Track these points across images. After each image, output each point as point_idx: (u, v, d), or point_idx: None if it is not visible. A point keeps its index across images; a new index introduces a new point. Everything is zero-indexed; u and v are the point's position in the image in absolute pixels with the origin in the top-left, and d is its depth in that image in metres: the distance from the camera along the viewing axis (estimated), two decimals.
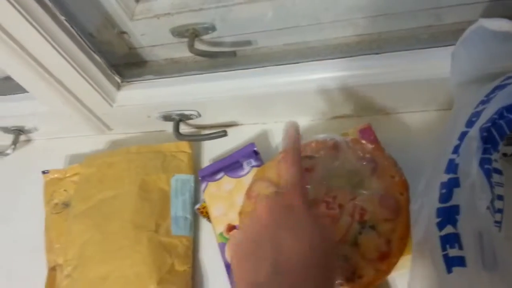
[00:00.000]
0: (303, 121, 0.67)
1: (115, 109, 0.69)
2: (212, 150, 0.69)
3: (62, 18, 0.58)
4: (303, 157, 0.56)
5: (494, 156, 0.35)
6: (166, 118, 0.70)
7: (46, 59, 0.60)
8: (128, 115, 0.71)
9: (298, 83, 0.61)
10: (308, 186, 0.52)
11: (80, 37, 0.62)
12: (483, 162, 0.34)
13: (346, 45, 0.65)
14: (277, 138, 0.68)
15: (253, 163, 0.62)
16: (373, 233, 0.48)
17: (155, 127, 0.74)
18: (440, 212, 0.37)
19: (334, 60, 0.60)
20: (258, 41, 0.69)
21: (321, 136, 0.57)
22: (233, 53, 0.64)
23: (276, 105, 0.66)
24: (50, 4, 0.56)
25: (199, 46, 0.67)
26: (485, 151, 0.35)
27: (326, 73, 0.60)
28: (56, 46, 0.58)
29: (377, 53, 0.59)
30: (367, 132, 0.57)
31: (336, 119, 0.66)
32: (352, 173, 0.52)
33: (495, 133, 0.35)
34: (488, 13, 0.59)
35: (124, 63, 0.72)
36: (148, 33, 0.69)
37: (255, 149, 0.63)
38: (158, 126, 0.73)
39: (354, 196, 0.50)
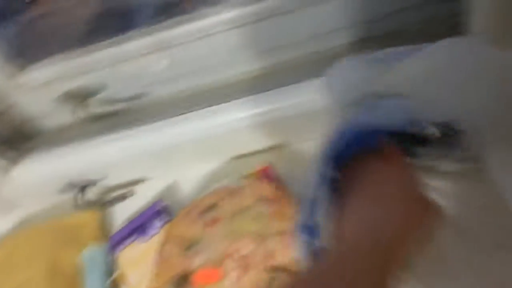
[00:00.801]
0: (209, 167, 0.65)
1: (12, 187, 0.66)
2: (123, 211, 0.66)
3: None
4: (208, 207, 0.55)
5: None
6: (69, 187, 0.67)
7: None
8: (28, 192, 0.67)
9: (197, 131, 0.61)
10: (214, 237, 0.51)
11: None
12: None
13: (239, 83, 0.65)
14: (187, 189, 0.66)
15: (162, 220, 0.59)
16: (285, 276, 0.47)
17: (60, 198, 0.70)
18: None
19: (228, 103, 0.60)
20: (152, 92, 0.68)
21: (223, 183, 0.56)
22: (125, 110, 0.63)
23: (179, 155, 0.65)
24: None
25: (91, 108, 0.66)
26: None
27: (220, 117, 0.59)
28: None
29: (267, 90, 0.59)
30: (268, 172, 0.57)
31: (239, 159, 0.66)
32: (256, 218, 0.51)
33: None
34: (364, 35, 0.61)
35: (16, 137, 0.69)
36: (37, 103, 0.67)
37: (163, 205, 0.61)
38: (62, 197, 0.69)
39: (260, 242, 0.49)
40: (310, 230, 0.35)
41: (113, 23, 0.70)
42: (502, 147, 0.33)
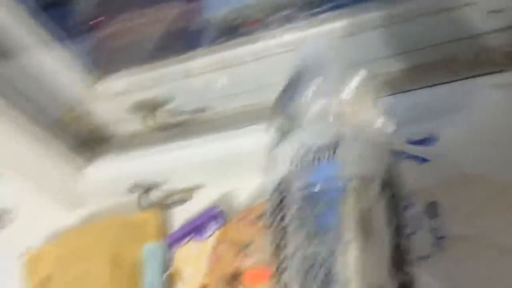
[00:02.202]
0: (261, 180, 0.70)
1: (84, 186, 0.73)
2: (181, 214, 0.72)
3: (22, 109, 0.62)
4: (260, 215, 0.60)
5: None
6: (133, 189, 0.73)
7: (13, 148, 0.64)
8: (96, 191, 0.74)
9: (254, 144, 0.65)
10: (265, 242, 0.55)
11: (42, 124, 0.66)
12: None
13: None
14: (240, 198, 0.71)
15: (216, 225, 0.65)
16: None
17: (124, 199, 0.77)
18: None
19: None
20: (214, 106, 0.74)
21: None
22: (190, 121, 0.69)
23: (236, 167, 0.70)
24: (12, 98, 0.61)
25: (159, 118, 0.72)
26: None
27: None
28: (21, 137, 0.63)
29: None
30: None
31: None
32: None
33: None
34: None
35: (89, 141, 0.76)
36: (110, 111, 0.74)
37: (218, 211, 0.66)
38: (126, 197, 0.76)
39: None
40: None
41: (181, 41, 0.77)
42: None
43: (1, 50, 0.62)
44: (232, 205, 0.70)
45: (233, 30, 0.72)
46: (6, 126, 0.61)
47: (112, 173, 0.71)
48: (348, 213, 0.27)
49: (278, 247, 0.29)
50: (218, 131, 0.68)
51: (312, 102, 0.33)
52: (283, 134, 0.35)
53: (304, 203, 0.29)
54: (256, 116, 0.68)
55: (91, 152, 0.73)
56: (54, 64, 0.68)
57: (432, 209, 0.50)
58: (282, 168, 0.31)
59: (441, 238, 0.50)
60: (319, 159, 0.29)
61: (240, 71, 0.69)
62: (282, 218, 0.30)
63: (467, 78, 0.58)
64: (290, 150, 0.31)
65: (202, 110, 0.73)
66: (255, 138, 0.64)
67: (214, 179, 0.72)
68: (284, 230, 0.29)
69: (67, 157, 0.70)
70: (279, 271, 0.28)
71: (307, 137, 0.31)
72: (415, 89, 0.59)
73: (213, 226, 0.65)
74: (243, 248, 0.58)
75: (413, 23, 0.59)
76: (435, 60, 0.63)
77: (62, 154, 0.69)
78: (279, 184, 0.31)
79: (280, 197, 0.30)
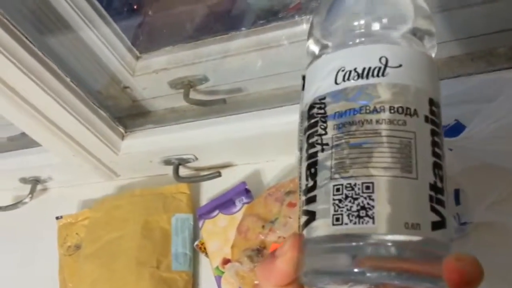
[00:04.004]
0: (291, 159, 0.72)
1: (121, 157, 0.76)
2: (209, 190, 0.75)
3: (68, 79, 0.66)
4: (287, 192, 0.62)
5: None
6: (167, 162, 0.76)
7: (57, 117, 0.68)
8: (132, 162, 0.77)
9: (284, 125, 0.67)
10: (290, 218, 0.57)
11: (86, 95, 0.69)
12: None
13: None
14: (267, 176, 0.73)
15: (244, 200, 0.67)
16: None
17: (157, 171, 0.80)
18: None
19: None
20: (248, 88, 0.76)
21: None
22: (224, 101, 0.71)
23: (266, 145, 0.72)
24: (59, 70, 0.64)
25: (194, 95, 0.75)
26: None
27: None
28: (65, 106, 0.66)
29: None
30: None
31: None
32: None
33: None
34: None
35: (128, 114, 0.80)
36: (148, 87, 0.77)
37: (246, 187, 0.68)
38: (159, 170, 0.79)
39: None
40: None
41: (221, 23, 0.79)
42: None
43: (53, 27, 0.66)
44: (261, 182, 0.73)
45: (273, 14, 0.74)
46: (52, 97, 0.64)
47: (148, 146, 0.74)
48: (387, 141, 0.26)
49: (309, 175, 0.28)
50: (250, 111, 0.70)
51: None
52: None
53: (340, 129, 0.27)
54: (289, 99, 0.70)
55: (129, 125, 0.77)
56: (99, 41, 0.71)
57: (456, 196, 0.51)
58: (315, 89, 0.29)
59: (463, 224, 0.51)
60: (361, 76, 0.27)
61: (276, 53, 0.70)
62: (314, 144, 0.28)
63: (502, 69, 0.58)
64: (325, 70, 0.29)
65: (236, 91, 0.75)
66: (286, 118, 0.66)
67: (244, 156, 0.75)
68: (315, 157, 0.28)
69: (107, 129, 0.73)
70: (307, 201, 0.27)
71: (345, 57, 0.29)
72: (449, 77, 0.59)
73: (241, 201, 0.67)
74: (269, 223, 0.60)
75: (457, 12, 0.59)
76: (474, 51, 0.63)
77: (102, 126, 0.73)
78: (312, 105, 0.29)
79: (313, 121, 0.29)
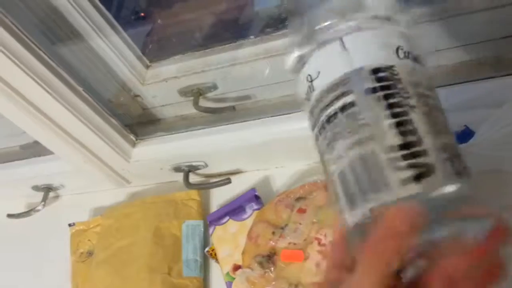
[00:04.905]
0: (300, 166, 0.73)
1: (132, 164, 0.77)
2: (219, 196, 0.76)
3: (81, 89, 0.67)
4: (297, 198, 0.63)
5: None
6: (177, 169, 0.77)
7: (69, 125, 0.69)
8: (143, 169, 0.78)
9: (293, 131, 0.68)
10: (300, 224, 0.58)
11: (98, 104, 0.70)
12: None
13: None
14: (277, 183, 0.73)
15: (254, 206, 0.67)
16: None
17: (168, 178, 0.81)
18: None
19: None
20: (256, 95, 0.77)
21: (313, 179, 0.63)
22: (233, 108, 0.72)
23: (275, 152, 0.72)
24: (71, 79, 0.65)
25: (203, 103, 0.75)
26: None
27: None
28: (77, 114, 0.67)
29: None
30: None
31: None
32: None
33: None
34: None
35: (138, 122, 0.81)
36: (159, 95, 0.78)
37: (256, 193, 0.69)
38: (170, 177, 0.80)
39: None
40: None
41: (230, 31, 0.80)
42: None
43: (64, 37, 0.67)
44: (270, 188, 0.73)
45: (281, 21, 0.75)
46: (64, 105, 0.66)
47: (158, 154, 0.75)
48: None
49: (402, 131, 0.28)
50: (259, 118, 0.70)
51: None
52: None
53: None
54: (297, 106, 0.70)
55: (140, 133, 0.78)
56: (110, 51, 0.72)
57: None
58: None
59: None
60: None
61: (281, 61, 0.71)
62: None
63: (509, 75, 0.58)
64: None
65: (245, 98, 0.76)
66: (294, 125, 0.67)
67: (253, 163, 0.75)
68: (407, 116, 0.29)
69: (118, 137, 0.74)
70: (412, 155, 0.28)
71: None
72: (457, 83, 0.60)
73: (251, 207, 0.68)
74: (279, 229, 0.61)
75: (465, 18, 0.59)
76: (482, 56, 0.64)
77: (114, 134, 0.74)
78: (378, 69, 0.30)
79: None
